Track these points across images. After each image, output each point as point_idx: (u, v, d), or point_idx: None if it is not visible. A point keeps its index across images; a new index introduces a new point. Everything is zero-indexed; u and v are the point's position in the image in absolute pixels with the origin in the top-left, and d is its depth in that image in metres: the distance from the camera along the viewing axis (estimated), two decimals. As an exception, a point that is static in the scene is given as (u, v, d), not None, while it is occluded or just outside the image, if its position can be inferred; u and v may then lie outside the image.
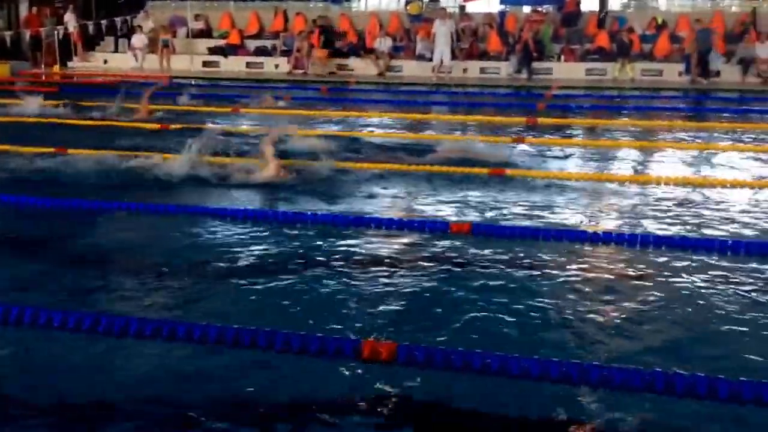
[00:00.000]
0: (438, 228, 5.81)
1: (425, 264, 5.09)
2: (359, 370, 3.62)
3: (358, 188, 7.12)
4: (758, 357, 3.79)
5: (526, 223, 6.03)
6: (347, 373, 3.62)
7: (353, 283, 4.74)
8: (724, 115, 13.36)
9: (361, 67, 20.15)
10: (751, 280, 4.80)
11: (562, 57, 19.61)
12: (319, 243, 5.52)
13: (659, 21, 20.06)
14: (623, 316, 4.30)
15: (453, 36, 19.29)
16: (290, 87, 17.43)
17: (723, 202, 6.82)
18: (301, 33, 20.27)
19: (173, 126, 10.94)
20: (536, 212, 6.37)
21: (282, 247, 5.46)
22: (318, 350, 3.70)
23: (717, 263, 5.11)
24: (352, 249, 5.41)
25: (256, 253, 5.32)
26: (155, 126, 11.00)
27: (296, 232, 5.78)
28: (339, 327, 4.06)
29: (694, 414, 3.31)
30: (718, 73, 18.15)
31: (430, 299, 4.49)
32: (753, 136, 10.95)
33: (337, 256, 5.23)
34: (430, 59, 19.47)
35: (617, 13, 21.23)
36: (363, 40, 20.93)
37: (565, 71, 19.15)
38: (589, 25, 20.43)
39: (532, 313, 4.29)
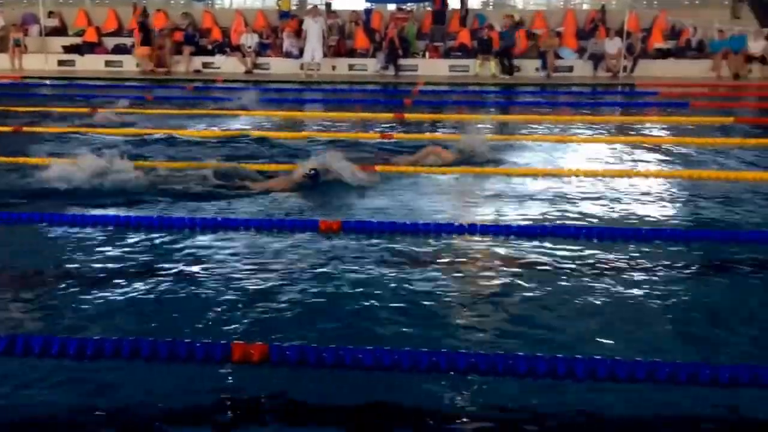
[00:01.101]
0: (307, 227, 5.81)
1: (295, 263, 5.08)
2: (230, 374, 3.58)
3: (225, 189, 6.99)
4: (604, 335, 4.06)
5: (396, 218, 6.12)
6: (218, 377, 3.56)
7: (223, 286, 4.65)
8: (579, 107, 14.16)
9: (227, 65, 19.79)
10: (602, 264, 5.12)
11: (427, 54, 20.10)
12: (186, 247, 5.38)
13: (517, 19, 20.94)
14: (490, 304, 4.47)
15: (324, 33, 19.35)
16: (152, 86, 16.85)
17: (578, 189, 7.21)
18: (162, 30, 19.66)
19: (26, 128, 10.34)
20: (406, 207, 6.50)
21: (146, 253, 5.28)
22: (187, 356, 3.62)
23: (575, 249, 5.41)
24: (221, 252, 5.31)
25: (118, 260, 5.12)
26: (8, 129, 10.35)
27: (161, 236, 5.61)
28: (210, 332, 3.98)
29: (552, 393, 3.50)
30: (518, 68, 19.09)
31: (301, 298, 4.49)
32: (605, 126, 11.68)
33: (205, 260, 5.13)
34: (298, 56, 19.41)
35: (477, 11, 21.99)
36: (229, 38, 20.57)
37: (430, 68, 19.64)
38: (451, 22, 21.04)
39: (402, 307, 4.37)
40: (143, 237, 5.58)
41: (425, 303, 4.44)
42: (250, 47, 19.70)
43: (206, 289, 4.59)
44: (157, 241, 5.50)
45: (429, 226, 5.82)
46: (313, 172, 6.99)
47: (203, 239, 5.57)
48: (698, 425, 3.29)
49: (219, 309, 4.30)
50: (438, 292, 4.61)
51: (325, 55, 19.28)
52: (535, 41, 19.89)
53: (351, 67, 19.83)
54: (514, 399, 3.45)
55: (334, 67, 19.62)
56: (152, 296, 4.49)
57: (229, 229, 5.80)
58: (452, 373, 3.57)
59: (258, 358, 3.61)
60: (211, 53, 20.15)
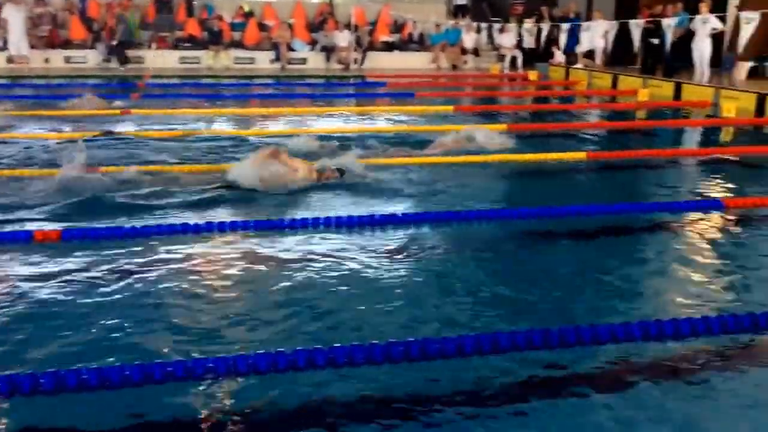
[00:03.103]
0: (20, 238, 5.02)
1: (6, 282, 4.34)
2: None
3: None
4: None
5: (123, 221, 5.54)
6: None
7: None
8: (315, 99, 14.27)
9: None
10: (343, 253, 5.04)
11: (154, 45, 19.03)
12: None
13: (246, 10, 20.63)
14: (230, 304, 4.18)
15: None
16: None
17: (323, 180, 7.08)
18: None
19: None
20: (135, 209, 5.92)
21: None
22: None
23: (314, 241, 5.26)
24: None
25: None
26: None
27: None
28: None
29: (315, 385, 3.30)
30: (251, 60, 19.11)
31: (8, 320, 3.81)
32: (339, 116, 11.85)
33: None
34: (1, 48, 17.32)
35: (205, 0, 21.29)
36: None
37: (158, 60, 18.64)
38: (179, 12, 20.13)
39: (136, 318, 3.91)
40: None
41: (158, 312, 4.01)
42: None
43: None
44: None
45: (161, 228, 5.32)
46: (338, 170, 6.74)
47: None
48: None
49: None
50: (172, 298, 4.21)
51: (33, 47, 17.40)
52: (267, 33, 19.76)
53: (68, 59, 18.14)
54: (283, 396, 3.22)
55: (47, 60, 17.81)
56: None
57: None
58: (191, 380, 3.23)
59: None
60: None
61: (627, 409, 3.15)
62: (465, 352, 3.47)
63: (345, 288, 4.40)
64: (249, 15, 20.29)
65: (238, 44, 19.54)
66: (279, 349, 3.43)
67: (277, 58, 19.14)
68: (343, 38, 19.54)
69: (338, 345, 3.46)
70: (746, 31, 13.72)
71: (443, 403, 3.19)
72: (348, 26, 19.81)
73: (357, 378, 3.35)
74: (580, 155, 8.41)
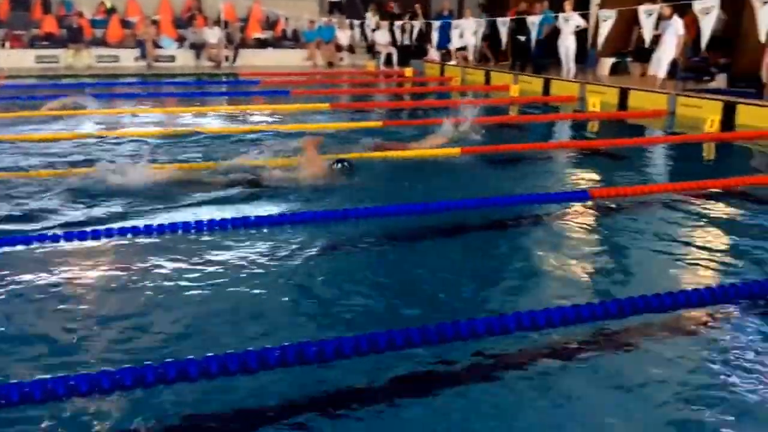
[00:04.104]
0: None
1: None
2: None
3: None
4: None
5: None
6: None
7: None
8: (185, 98, 13.72)
9: None
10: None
11: (7, 44, 17.79)
12: None
13: (108, 6, 19.63)
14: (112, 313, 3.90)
15: None
16: None
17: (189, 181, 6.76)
18: None
19: None
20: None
21: None
22: None
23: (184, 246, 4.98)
24: None
25: None
26: None
27: None
28: None
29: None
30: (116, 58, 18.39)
31: None
32: (213, 116, 11.43)
33: None
34: None
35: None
36: None
37: (13, 59, 17.43)
38: (35, 9, 18.88)
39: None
40: None
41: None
42: None
43: None
44: None
45: (28, 239, 4.92)
46: (343, 165, 6.63)
47: None
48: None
49: None
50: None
51: None
52: (131, 29, 18.89)
53: None
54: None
55: None
56: None
57: None
58: (96, 396, 3.00)
59: None
60: None
61: (503, 399, 3.16)
62: (344, 353, 3.33)
63: (208, 294, 4.17)
64: (111, 11, 19.31)
65: (100, 42, 18.56)
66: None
67: (143, 56, 18.31)
68: (212, 35, 18.95)
69: (211, 354, 3.24)
70: (604, 29, 14.36)
71: (322, 405, 3.09)
72: (218, 22, 19.23)
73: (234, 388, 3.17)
74: (455, 151, 8.44)
